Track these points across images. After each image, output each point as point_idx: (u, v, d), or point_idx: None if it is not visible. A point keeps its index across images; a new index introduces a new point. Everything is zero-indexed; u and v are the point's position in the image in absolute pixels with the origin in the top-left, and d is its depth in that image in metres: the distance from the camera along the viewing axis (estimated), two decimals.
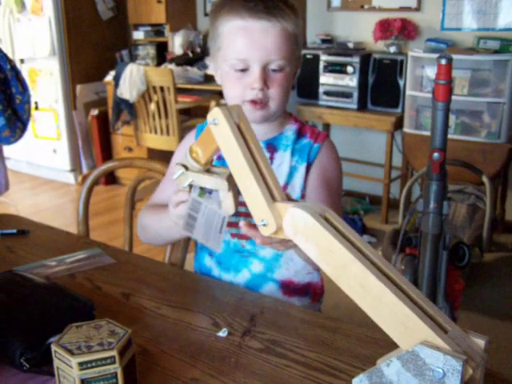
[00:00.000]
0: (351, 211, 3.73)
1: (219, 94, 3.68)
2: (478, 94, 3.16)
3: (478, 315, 2.57)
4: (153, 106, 3.78)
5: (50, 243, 1.36)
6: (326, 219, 0.72)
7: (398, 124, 3.47)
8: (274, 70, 1.07)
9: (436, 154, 1.62)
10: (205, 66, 4.22)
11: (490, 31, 3.31)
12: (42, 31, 4.29)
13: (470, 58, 3.13)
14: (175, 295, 1.09)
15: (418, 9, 3.54)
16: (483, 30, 3.33)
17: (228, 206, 0.93)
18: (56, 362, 0.76)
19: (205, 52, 4.31)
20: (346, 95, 3.61)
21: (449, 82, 1.58)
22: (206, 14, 4.51)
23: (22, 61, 4.50)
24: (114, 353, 0.74)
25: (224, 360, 0.88)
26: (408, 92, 3.39)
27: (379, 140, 3.80)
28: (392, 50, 3.56)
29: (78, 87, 4.44)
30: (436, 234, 1.69)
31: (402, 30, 3.49)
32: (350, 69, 3.54)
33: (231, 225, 1.17)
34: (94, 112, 4.43)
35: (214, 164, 0.96)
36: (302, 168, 1.16)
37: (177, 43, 4.34)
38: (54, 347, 0.75)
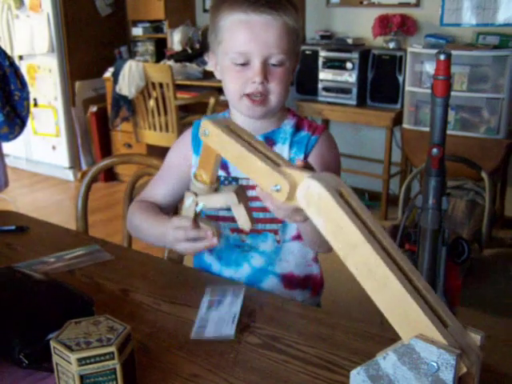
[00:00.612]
0: None
1: (218, 90, 3.68)
2: (477, 90, 3.16)
3: (477, 311, 2.58)
4: (152, 103, 3.78)
5: (48, 240, 1.36)
6: (341, 194, 0.71)
7: (397, 120, 3.47)
8: (274, 65, 1.07)
9: (435, 150, 1.62)
10: (204, 63, 4.21)
11: (490, 27, 3.30)
12: (40, 28, 4.28)
13: (469, 53, 3.12)
14: (174, 291, 1.09)
15: (417, 4, 3.53)
16: (482, 26, 3.32)
17: (244, 222, 0.95)
18: (55, 358, 0.76)
19: (204, 48, 4.31)
20: (345, 91, 3.60)
21: (448, 78, 1.58)
22: (204, 10, 4.50)
23: (20, 57, 4.49)
24: (112, 349, 0.74)
25: (223, 356, 0.88)
26: (407, 88, 3.39)
27: (378, 136, 3.80)
28: (391, 45, 3.55)
29: (77, 84, 4.43)
30: (435, 230, 1.69)
31: (401, 25, 3.49)
32: (349, 65, 3.54)
33: (230, 219, 1.17)
34: (93, 108, 4.43)
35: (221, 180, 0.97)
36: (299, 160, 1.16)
37: (176, 39, 4.34)
38: (52, 343, 0.75)
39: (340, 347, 0.91)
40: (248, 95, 1.09)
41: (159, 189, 1.27)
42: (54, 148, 4.62)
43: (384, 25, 3.52)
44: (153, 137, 3.90)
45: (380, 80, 3.55)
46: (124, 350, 0.76)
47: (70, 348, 0.74)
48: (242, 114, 1.15)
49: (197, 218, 1.00)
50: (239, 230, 1.18)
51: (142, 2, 4.36)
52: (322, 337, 0.94)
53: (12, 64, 2.45)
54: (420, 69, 3.35)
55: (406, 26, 3.50)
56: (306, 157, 1.16)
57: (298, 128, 1.19)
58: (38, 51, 4.36)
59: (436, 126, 1.63)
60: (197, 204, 0.97)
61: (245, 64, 1.07)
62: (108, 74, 4.30)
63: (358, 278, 0.68)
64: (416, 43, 3.44)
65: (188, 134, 1.26)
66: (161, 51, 4.45)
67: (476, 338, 0.66)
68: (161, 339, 0.93)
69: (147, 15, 4.41)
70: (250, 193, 1.16)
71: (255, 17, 1.05)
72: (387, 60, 3.49)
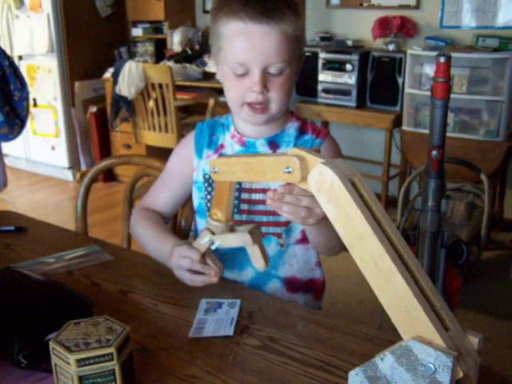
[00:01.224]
0: None
1: (218, 92, 3.68)
2: (477, 92, 3.17)
3: (476, 313, 2.58)
4: (151, 103, 3.78)
5: (48, 240, 1.36)
6: (354, 184, 0.71)
7: (397, 122, 3.47)
8: (273, 73, 1.06)
9: (434, 152, 1.63)
10: (203, 63, 4.21)
11: (489, 29, 3.31)
12: (40, 28, 4.28)
13: (469, 56, 3.13)
14: (173, 292, 1.09)
15: (417, 7, 3.54)
16: (482, 28, 3.33)
17: (258, 263, 1.00)
18: (54, 359, 0.76)
19: (204, 49, 4.31)
20: (345, 93, 3.61)
21: (447, 80, 1.59)
22: (204, 11, 4.50)
23: (20, 57, 4.49)
24: (111, 350, 0.74)
25: (222, 357, 0.88)
26: (407, 90, 3.39)
27: (378, 138, 3.80)
28: (391, 47, 3.56)
29: (77, 84, 4.43)
30: (434, 232, 1.69)
31: (400, 27, 3.49)
32: (348, 66, 3.54)
33: (234, 222, 1.17)
34: (93, 109, 4.42)
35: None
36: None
37: (176, 40, 4.34)
38: (51, 344, 0.75)
39: (339, 349, 0.91)
40: (249, 103, 1.09)
41: (161, 195, 1.27)
42: (53, 148, 4.61)
43: (384, 27, 3.52)
44: (152, 137, 3.90)
45: (379, 82, 3.56)
46: (123, 350, 0.76)
47: (68, 349, 0.74)
48: (243, 120, 1.16)
49: (206, 253, 1.02)
50: None
51: (142, 2, 4.36)
52: (320, 339, 0.94)
53: (12, 64, 2.45)
54: (419, 71, 3.35)
55: (405, 28, 3.51)
56: None
57: (301, 131, 1.19)
58: (38, 51, 4.36)
59: (435, 128, 1.63)
60: (212, 243, 1.00)
61: (244, 74, 1.07)
62: (108, 74, 4.30)
63: (362, 270, 0.68)
64: (416, 45, 3.44)
65: (191, 137, 1.25)
66: (161, 52, 4.45)
67: (474, 340, 0.66)
68: (160, 340, 0.93)
69: (147, 16, 4.41)
70: (254, 196, 1.16)
71: (252, 26, 1.03)
72: (387, 62, 3.49)
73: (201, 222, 1.25)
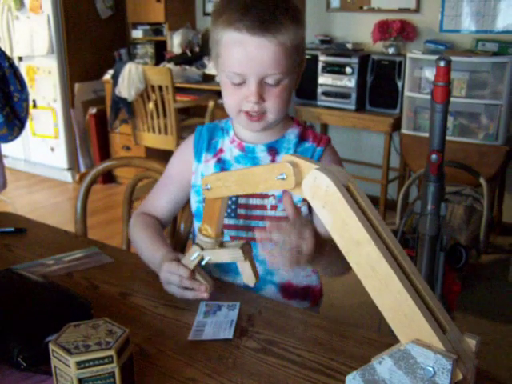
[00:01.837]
0: None
1: (218, 94, 3.68)
2: (476, 96, 3.17)
3: (475, 316, 2.58)
4: (151, 105, 3.78)
5: (47, 242, 1.36)
6: (349, 189, 0.71)
7: (396, 125, 3.48)
8: (270, 84, 1.05)
9: (434, 156, 1.63)
10: (203, 66, 4.22)
11: (489, 33, 3.31)
12: (40, 29, 4.29)
13: (469, 60, 3.13)
14: (173, 295, 1.09)
15: (416, 10, 3.55)
16: (482, 32, 3.33)
17: (248, 277, 1.00)
18: (53, 361, 0.76)
19: (203, 51, 4.31)
20: (345, 96, 3.61)
21: (447, 84, 1.59)
22: (205, 14, 4.51)
23: (20, 59, 4.49)
24: (111, 352, 0.74)
25: (221, 360, 0.89)
26: (406, 93, 3.40)
27: (377, 141, 3.80)
28: (391, 51, 3.56)
29: (77, 85, 4.44)
30: (433, 236, 1.69)
31: (400, 31, 3.50)
32: (348, 69, 3.54)
33: (230, 227, 1.17)
34: (92, 111, 4.43)
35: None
36: None
37: (175, 42, 4.34)
38: (51, 346, 0.75)
39: (337, 352, 0.91)
40: (245, 112, 1.08)
41: (161, 199, 1.27)
42: (52, 150, 4.61)
43: (384, 30, 3.53)
44: (152, 139, 3.90)
45: (379, 85, 3.56)
46: (123, 353, 0.76)
47: (68, 351, 0.74)
48: (241, 126, 1.16)
49: (195, 268, 1.01)
50: (239, 239, 1.17)
51: (142, 4, 4.36)
52: (319, 342, 0.94)
53: (12, 65, 2.45)
54: (419, 74, 3.36)
55: (405, 32, 3.51)
56: None
57: (302, 138, 1.19)
58: (38, 53, 4.36)
59: (435, 131, 1.63)
60: (202, 258, 1.00)
61: (241, 83, 1.06)
62: (107, 76, 4.30)
63: (359, 276, 0.67)
64: (415, 49, 3.45)
65: (190, 141, 1.25)
66: (160, 54, 4.46)
67: (472, 342, 0.66)
68: (159, 343, 0.93)
69: (147, 18, 4.41)
70: (251, 201, 1.16)
71: (249, 37, 1.01)
72: (386, 65, 3.50)
73: (198, 226, 1.25)
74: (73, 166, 4.61)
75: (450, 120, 3.20)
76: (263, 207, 1.15)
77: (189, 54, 4.31)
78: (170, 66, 4.13)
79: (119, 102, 3.91)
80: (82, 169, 4.59)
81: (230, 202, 1.17)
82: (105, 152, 4.49)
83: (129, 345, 0.79)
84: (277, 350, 0.91)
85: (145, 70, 3.70)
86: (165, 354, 0.90)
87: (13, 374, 0.85)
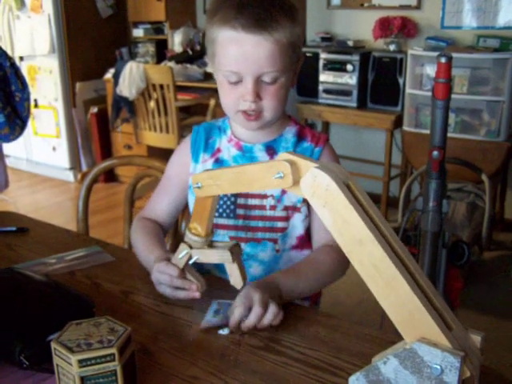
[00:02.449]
0: None
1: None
2: (478, 93, 3.17)
3: (477, 313, 2.58)
4: (152, 104, 3.78)
5: (49, 241, 1.36)
6: (349, 187, 0.70)
7: (398, 122, 3.47)
8: (267, 82, 1.05)
9: (435, 153, 1.63)
10: (204, 64, 4.21)
11: (490, 29, 3.31)
12: (41, 28, 4.29)
13: (470, 56, 3.13)
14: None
15: (417, 7, 3.54)
16: (483, 29, 3.33)
17: (236, 280, 0.97)
18: (55, 360, 0.76)
19: (204, 50, 4.30)
20: (346, 93, 3.61)
21: (448, 81, 1.59)
22: (205, 12, 4.50)
23: (21, 58, 4.49)
24: (113, 350, 0.74)
25: (223, 358, 0.88)
26: (408, 90, 3.39)
27: (379, 138, 3.80)
28: (392, 48, 3.56)
29: (78, 85, 4.44)
30: (435, 233, 1.69)
31: (401, 28, 3.49)
32: (349, 67, 3.54)
33: (229, 227, 1.17)
34: (94, 110, 4.43)
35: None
36: None
37: (176, 41, 4.34)
38: (53, 344, 0.75)
39: (340, 349, 0.91)
40: (242, 111, 1.08)
41: (161, 203, 1.26)
42: (54, 149, 4.62)
43: (385, 27, 3.52)
44: (153, 138, 3.91)
45: (380, 82, 3.56)
46: (125, 351, 0.76)
47: (70, 349, 0.74)
48: (238, 125, 1.16)
49: (185, 267, 0.99)
50: (238, 239, 1.17)
51: (142, 3, 4.36)
52: (322, 339, 0.94)
53: (13, 65, 2.45)
54: (420, 71, 3.35)
55: (406, 29, 3.51)
56: None
57: (300, 137, 1.18)
58: (39, 52, 4.36)
59: (436, 128, 1.63)
60: (190, 257, 0.98)
61: (238, 81, 1.05)
62: (109, 75, 4.30)
63: (362, 275, 0.67)
64: (416, 46, 3.44)
65: (187, 141, 1.24)
66: (161, 52, 4.46)
67: (476, 339, 0.66)
68: (161, 341, 0.93)
69: (148, 16, 4.41)
70: (250, 201, 1.16)
71: (245, 35, 1.01)
72: (388, 62, 3.49)
73: (187, 224, 1.24)
74: (75, 165, 4.62)
75: (452, 117, 3.19)
76: (262, 207, 1.15)
77: (190, 52, 4.31)
78: (171, 64, 4.13)
79: (120, 101, 3.92)
80: (84, 168, 4.59)
81: (228, 203, 1.17)
82: (106, 151, 4.49)
83: (131, 343, 0.79)
84: (279, 347, 0.91)
85: (146, 69, 3.70)
86: (167, 352, 0.90)
87: (15, 372, 0.85)
